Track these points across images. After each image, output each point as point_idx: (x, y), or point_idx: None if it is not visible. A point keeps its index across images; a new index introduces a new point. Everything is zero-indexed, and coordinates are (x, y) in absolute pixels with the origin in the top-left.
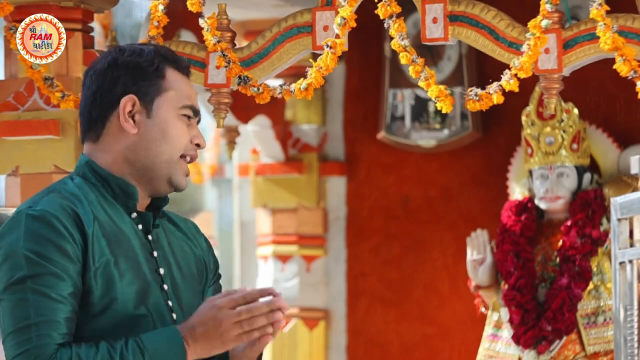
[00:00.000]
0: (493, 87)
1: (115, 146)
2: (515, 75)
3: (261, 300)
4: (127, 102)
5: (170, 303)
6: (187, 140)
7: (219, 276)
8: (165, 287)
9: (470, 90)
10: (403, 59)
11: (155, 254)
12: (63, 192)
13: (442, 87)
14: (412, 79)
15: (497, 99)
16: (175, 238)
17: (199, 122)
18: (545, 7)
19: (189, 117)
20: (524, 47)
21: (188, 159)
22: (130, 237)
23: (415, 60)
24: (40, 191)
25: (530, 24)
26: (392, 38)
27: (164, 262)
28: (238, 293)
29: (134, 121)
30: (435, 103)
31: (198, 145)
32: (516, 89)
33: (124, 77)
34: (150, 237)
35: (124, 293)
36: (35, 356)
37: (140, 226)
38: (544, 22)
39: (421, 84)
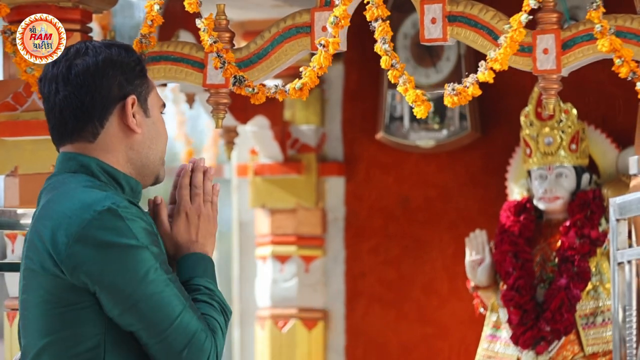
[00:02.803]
0: (469, 80)
1: (118, 146)
2: (491, 67)
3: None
4: (131, 104)
5: None
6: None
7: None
8: None
9: (448, 86)
10: (383, 63)
11: None
12: (107, 187)
13: (419, 92)
14: None
15: (474, 91)
16: None
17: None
18: (529, 2)
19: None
20: (501, 39)
21: None
22: None
23: (395, 65)
24: (81, 187)
25: (512, 18)
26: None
27: None
28: (179, 189)
29: (137, 121)
30: (436, 103)
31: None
32: (491, 81)
33: (120, 76)
34: None
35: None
36: (207, 333)
37: None
38: (523, 17)
39: (400, 88)
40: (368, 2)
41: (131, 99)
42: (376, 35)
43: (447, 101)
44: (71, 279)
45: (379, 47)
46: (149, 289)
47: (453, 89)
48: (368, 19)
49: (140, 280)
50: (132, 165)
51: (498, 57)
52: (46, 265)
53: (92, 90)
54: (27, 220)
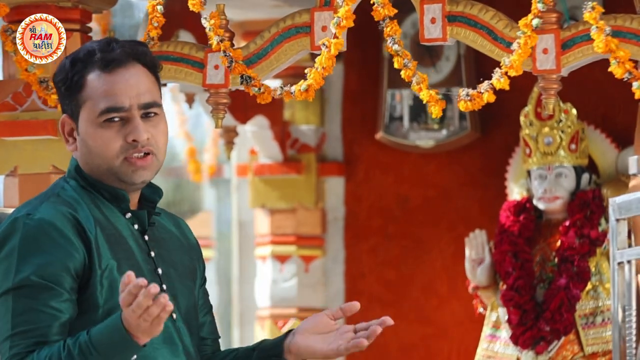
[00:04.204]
0: (484, 86)
1: (80, 159)
2: (506, 73)
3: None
4: (64, 122)
5: None
6: (119, 143)
7: (205, 280)
8: (164, 287)
9: (462, 91)
10: (395, 62)
11: (152, 253)
12: (63, 196)
13: (433, 91)
14: None
15: (489, 97)
16: (169, 236)
17: (151, 113)
18: (537, 6)
19: (113, 119)
20: (514, 46)
21: (135, 156)
22: (128, 239)
23: (407, 65)
24: (39, 195)
25: (521, 22)
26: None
27: (162, 262)
28: (126, 288)
29: (71, 140)
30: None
31: (135, 141)
32: (507, 87)
33: (59, 96)
34: (146, 237)
35: None
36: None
37: (135, 226)
38: (535, 21)
39: (413, 88)
40: (374, 3)
41: (63, 118)
42: (385, 35)
43: (461, 106)
44: None
45: (389, 47)
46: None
47: (467, 94)
48: (375, 19)
49: None
50: (89, 169)
51: (513, 63)
52: None
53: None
54: None
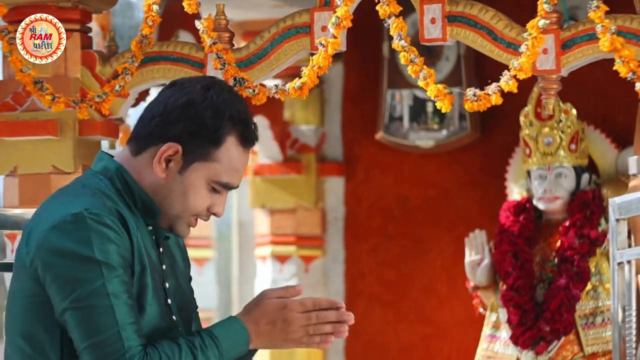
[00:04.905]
0: (492, 88)
1: (144, 172)
2: (514, 76)
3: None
4: (170, 149)
5: (174, 318)
6: (205, 207)
7: (191, 278)
8: (169, 301)
9: (469, 91)
10: (402, 59)
11: (163, 267)
12: (105, 191)
13: (440, 86)
14: (410, 80)
15: (496, 99)
16: (173, 244)
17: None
18: (543, 7)
19: (216, 189)
20: (522, 48)
21: (197, 217)
22: (149, 249)
23: (414, 60)
24: (77, 187)
25: (529, 24)
26: (391, 38)
27: (169, 276)
28: (308, 299)
29: (167, 166)
30: (435, 102)
31: (214, 214)
32: (515, 90)
33: (185, 124)
34: (161, 249)
35: (151, 305)
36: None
37: (154, 237)
38: (542, 22)
39: (420, 83)
40: (378, 1)
41: (173, 146)
42: (391, 32)
43: (467, 106)
44: (34, 273)
45: (395, 44)
46: (87, 302)
47: (474, 94)
48: (381, 17)
49: (81, 290)
50: (152, 193)
51: (522, 66)
52: (20, 254)
53: (158, 114)
54: (26, 220)
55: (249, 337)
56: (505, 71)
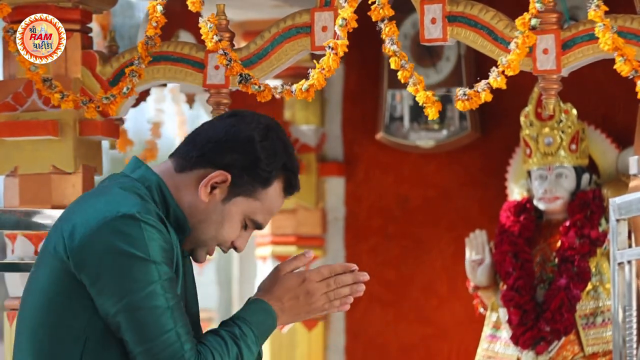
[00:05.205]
0: (481, 85)
1: (185, 191)
2: (503, 72)
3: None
4: (220, 176)
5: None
6: (232, 239)
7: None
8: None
9: (459, 90)
10: (392, 63)
11: (186, 277)
12: (146, 198)
13: (429, 93)
14: None
15: (486, 97)
16: (190, 262)
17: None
18: (535, 5)
19: (247, 226)
20: (512, 45)
21: (217, 246)
22: (180, 258)
23: (404, 66)
24: (116, 189)
25: (518, 21)
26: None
27: (187, 289)
28: (324, 267)
29: (211, 192)
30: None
31: (235, 247)
32: (504, 86)
33: (240, 157)
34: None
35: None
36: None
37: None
38: (533, 21)
39: (410, 89)
40: (373, 2)
41: (223, 174)
42: (383, 36)
43: (458, 105)
44: (74, 269)
45: (387, 48)
46: (143, 303)
47: (464, 93)
48: (374, 20)
49: (137, 292)
50: (188, 213)
51: (510, 63)
52: (58, 248)
53: (215, 139)
54: (26, 220)
55: (276, 316)
56: (494, 67)
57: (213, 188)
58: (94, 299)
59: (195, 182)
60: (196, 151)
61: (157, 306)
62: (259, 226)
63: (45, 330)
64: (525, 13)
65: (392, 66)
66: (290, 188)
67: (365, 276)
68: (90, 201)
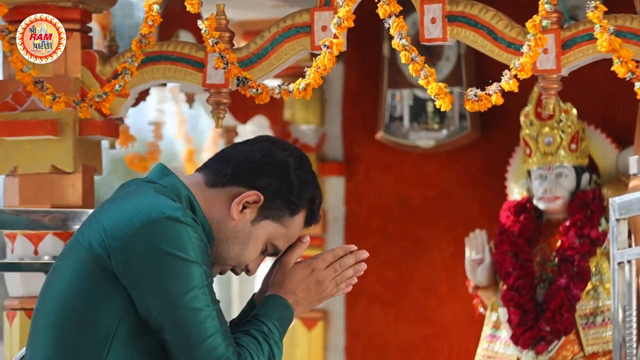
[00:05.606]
0: (492, 88)
1: (215, 206)
2: (515, 76)
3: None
4: (253, 196)
5: None
6: (251, 261)
7: None
8: None
9: (470, 91)
10: (403, 57)
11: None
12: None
13: (441, 84)
14: (410, 79)
15: (497, 99)
16: None
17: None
18: (545, 7)
19: (266, 250)
20: (524, 48)
21: (229, 269)
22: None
23: (415, 59)
24: (151, 191)
25: (529, 24)
26: (392, 38)
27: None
28: (327, 253)
29: (242, 210)
30: (435, 101)
31: (247, 270)
32: (516, 90)
33: (275, 181)
34: None
35: None
36: None
37: None
38: (544, 22)
39: (421, 82)
40: (378, 0)
41: (258, 194)
42: (392, 32)
43: (467, 106)
44: (115, 268)
45: (396, 43)
46: (189, 304)
47: (475, 94)
48: (381, 17)
49: (183, 293)
50: (216, 229)
51: (523, 66)
52: (94, 243)
53: (251, 160)
54: (26, 220)
55: (293, 309)
56: (506, 71)
57: (244, 207)
58: (135, 299)
59: (227, 199)
60: (230, 169)
61: (201, 308)
62: (276, 252)
63: (71, 325)
64: (535, 15)
65: (403, 60)
66: (312, 220)
67: (365, 254)
68: (131, 201)
